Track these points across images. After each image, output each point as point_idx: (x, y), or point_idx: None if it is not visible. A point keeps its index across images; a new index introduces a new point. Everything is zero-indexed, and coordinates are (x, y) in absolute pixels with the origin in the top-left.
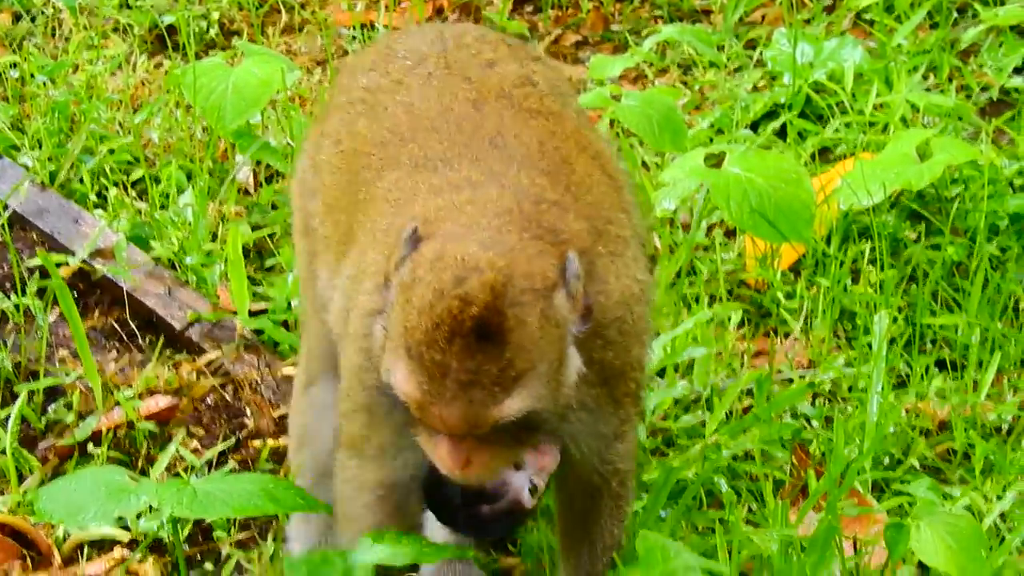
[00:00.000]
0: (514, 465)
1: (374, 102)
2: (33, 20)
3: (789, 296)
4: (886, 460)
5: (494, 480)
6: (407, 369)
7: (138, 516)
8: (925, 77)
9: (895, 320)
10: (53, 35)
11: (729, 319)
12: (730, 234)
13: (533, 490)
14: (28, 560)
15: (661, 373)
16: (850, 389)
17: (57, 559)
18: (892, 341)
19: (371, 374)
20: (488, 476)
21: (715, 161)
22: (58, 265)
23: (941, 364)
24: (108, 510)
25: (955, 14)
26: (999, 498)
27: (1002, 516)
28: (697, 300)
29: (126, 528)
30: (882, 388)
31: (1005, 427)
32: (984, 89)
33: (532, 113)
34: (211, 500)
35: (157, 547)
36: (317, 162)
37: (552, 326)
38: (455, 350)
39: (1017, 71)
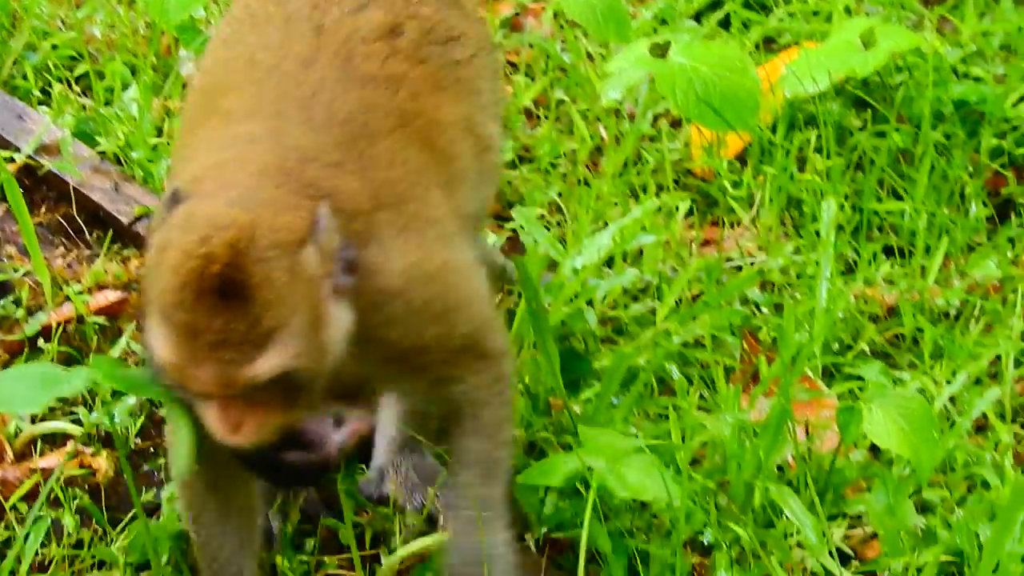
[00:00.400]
0: (335, 421)
1: (231, 38)
2: None
3: (736, 185)
4: (836, 346)
5: (275, 437)
6: (162, 333)
7: (90, 410)
8: None
9: (842, 207)
10: None
11: (677, 208)
12: (676, 124)
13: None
14: None
15: (610, 263)
16: (799, 276)
17: (9, 454)
18: (840, 228)
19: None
20: (263, 439)
21: (660, 51)
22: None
23: (889, 251)
24: (40, 397)
25: None
26: (948, 382)
27: (952, 400)
28: (644, 190)
29: (78, 424)
30: (831, 274)
31: (953, 312)
32: None
33: (363, 80)
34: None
35: (111, 443)
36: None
37: (302, 282)
38: (202, 310)
39: None
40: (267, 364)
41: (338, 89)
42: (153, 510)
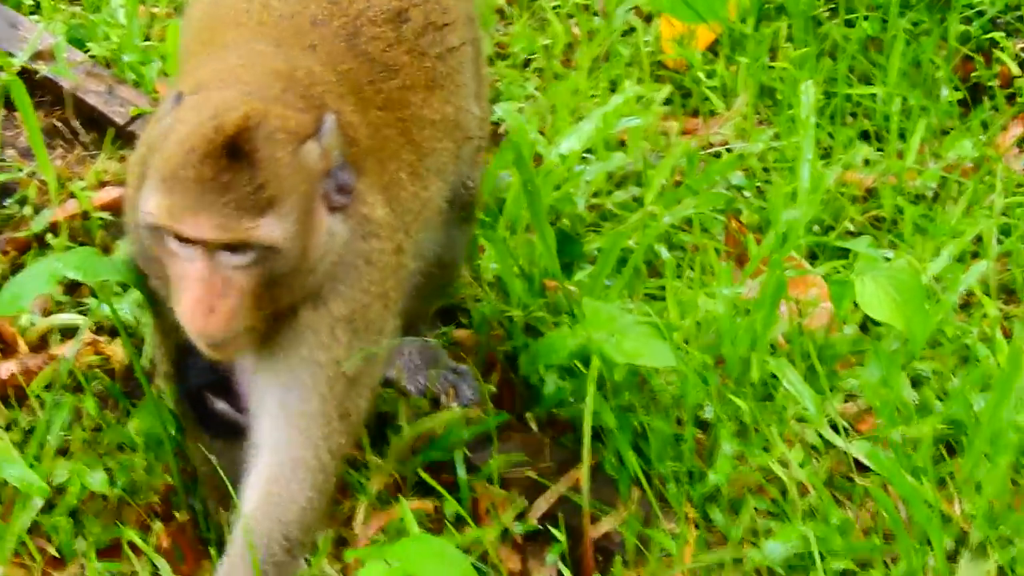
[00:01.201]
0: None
1: None
2: None
3: (710, 75)
4: (817, 228)
5: (232, 337)
6: (162, 189)
7: (100, 303)
8: None
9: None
10: None
11: (655, 99)
12: (647, 19)
13: None
14: None
15: (591, 154)
16: (776, 162)
17: (23, 346)
18: (816, 115)
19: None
20: (229, 330)
21: None
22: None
23: (864, 136)
24: (44, 288)
25: None
26: (933, 260)
27: (936, 279)
28: (620, 83)
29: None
30: (812, 156)
31: (930, 194)
32: None
33: (363, 57)
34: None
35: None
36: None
37: (303, 171)
38: (208, 166)
39: None
40: (264, 230)
41: (338, 52)
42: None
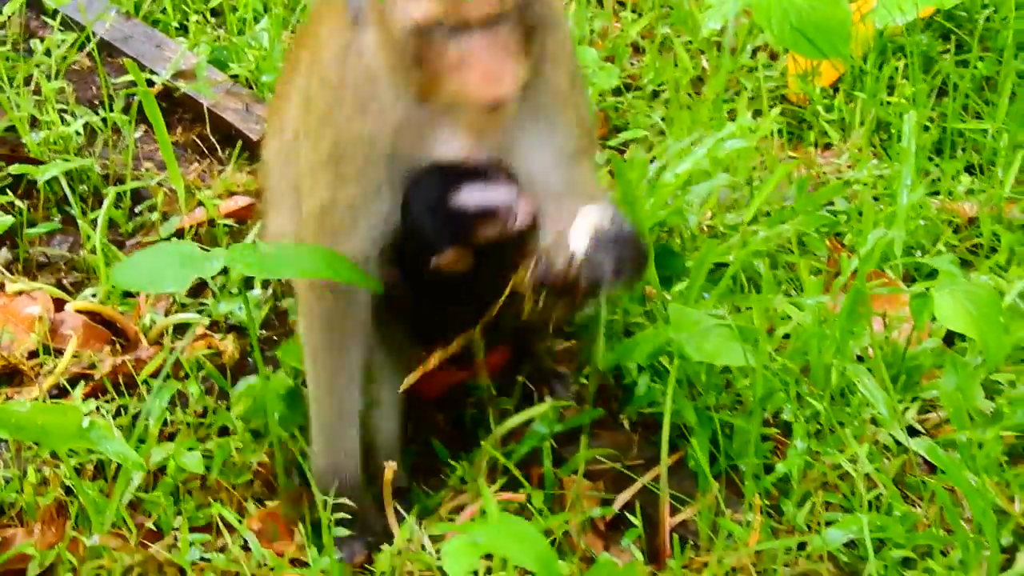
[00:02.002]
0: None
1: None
2: None
3: (828, 109)
4: (918, 253)
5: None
6: None
7: (219, 302)
8: None
9: (927, 128)
10: None
11: (773, 132)
12: (775, 57)
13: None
14: (117, 346)
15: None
16: (884, 189)
17: (144, 342)
18: (926, 149)
19: (344, 112)
20: (514, 89)
21: None
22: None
23: (970, 170)
24: (184, 275)
25: None
26: (1020, 279)
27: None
28: (735, 112)
29: (208, 316)
30: (911, 182)
31: None
32: None
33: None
34: (278, 262)
35: (239, 333)
36: None
37: None
38: None
39: None
40: None
41: None
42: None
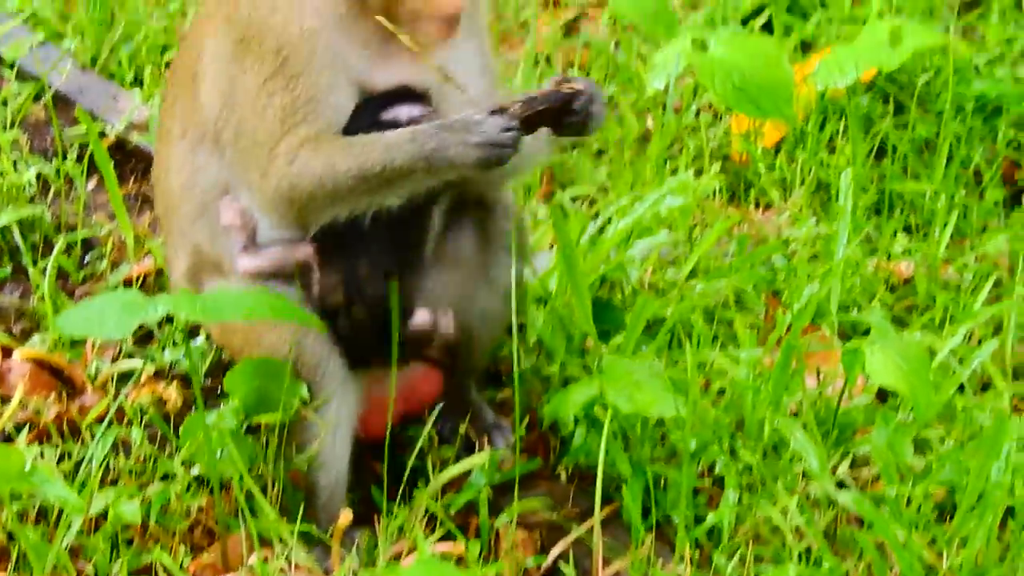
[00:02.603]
0: None
1: None
2: None
3: (770, 169)
4: (854, 311)
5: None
6: None
7: (163, 348)
8: None
9: (866, 189)
10: None
11: (715, 191)
12: (718, 116)
13: None
14: (63, 393)
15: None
16: (825, 253)
17: (89, 390)
18: (865, 210)
19: (281, 13)
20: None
21: (701, 45)
22: (99, 133)
23: (908, 229)
24: (127, 322)
25: None
26: (952, 337)
27: (953, 354)
28: (678, 170)
29: (153, 361)
30: (848, 240)
31: (966, 286)
32: None
33: None
34: (220, 307)
35: (184, 382)
36: None
37: None
38: None
39: None
40: None
41: None
42: None
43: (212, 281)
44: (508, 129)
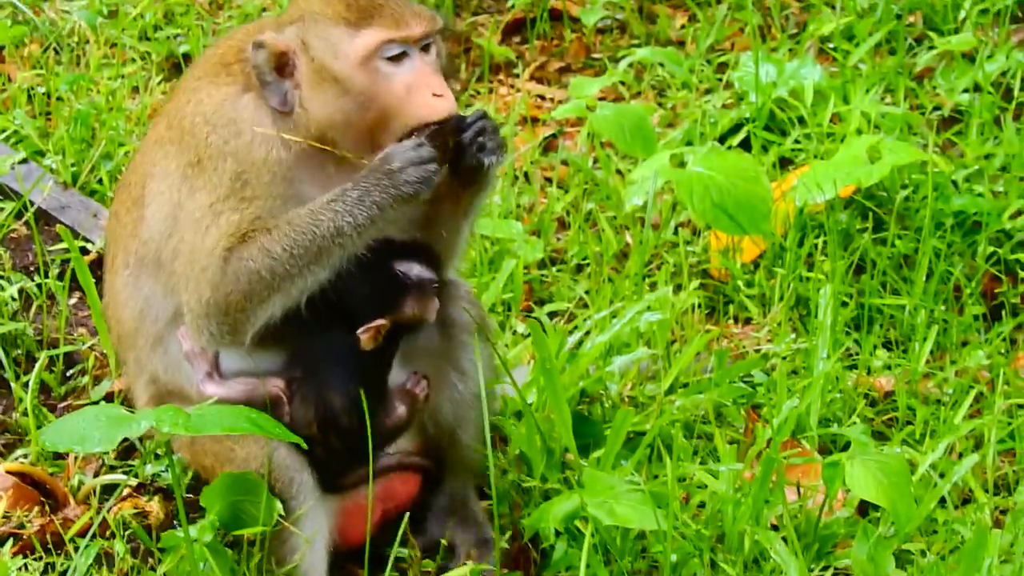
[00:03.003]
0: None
1: None
2: (58, 51)
3: (749, 285)
4: (834, 425)
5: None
6: (366, 19)
7: (145, 463)
8: (882, 98)
9: (845, 304)
10: (77, 63)
11: (694, 307)
12: (697, 232)
13: None
14: (46, 506)
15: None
16: (804, 368)
17: (72, 503)
18: (844, 325)
19: (244, 139)
20: (453, 105)
21: (679, 162)
22: (80, 250)
23: (888, 345)
24: (110, 436)
25: (912, 43)
26: (933, 451)
27: (934, 468)
28: (656, 285)
29: (135, 475)
30: (827, 355)
31: (946, 400)
32: (937, 108)
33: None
34: (203, 422)
35: (165, 496)
36: None
37: None
38: None
39: (966, 91)
40: (438, 15)
41: None
42: None
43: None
44: (420, 145)
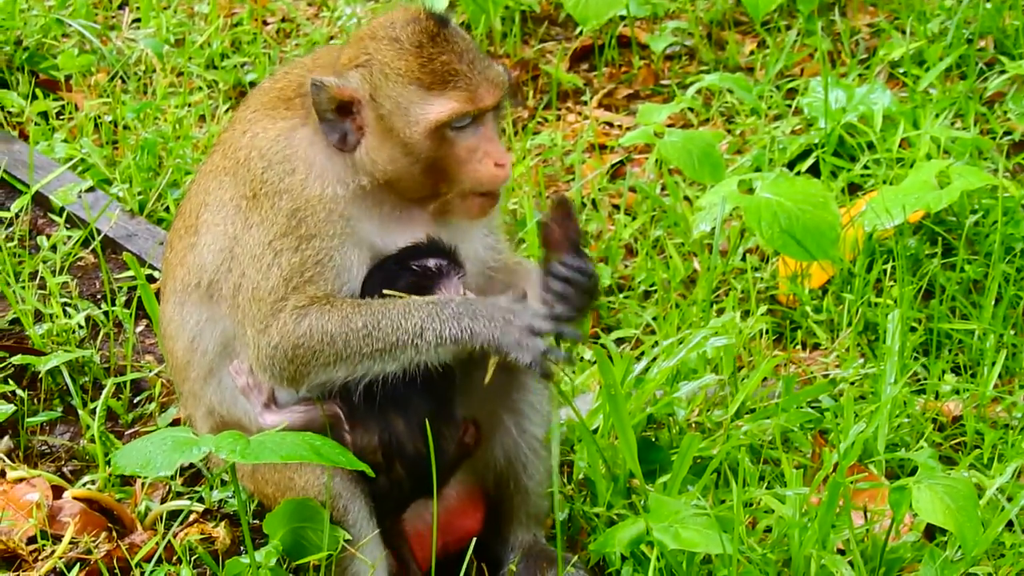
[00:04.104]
0: None
1: None
2: (125, 80)
3: (817, 311)
4: (902, 450)
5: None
6: (441, 85)
7: (211, 488)
8: (952, 123)
9: (914, 329)
10: (144, 92)
11: (762, 332)
12: (765, 258)
13: None
14: (113, 532)
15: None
16: (872, 393)
17: (139, 528)
18: (913, 350)
19: (299, 177)
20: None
21: (747, 188)
22: (147, 278)
23: (956, 370)
24: (173, 459)
25: (982, 67)
26: (1001, 475)
27: (1002, 491)
28: (724, 311)
29: (201, 501)
30: (895, 380)
31: (1016, 424)
32: (1007, 133)
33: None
34: (262, 449)
35: (231, 521)
36: None
37: None
38: (452, 43)
39: None
40: (504, 72)
41: None
42: None
43: None
44: (548, 346)
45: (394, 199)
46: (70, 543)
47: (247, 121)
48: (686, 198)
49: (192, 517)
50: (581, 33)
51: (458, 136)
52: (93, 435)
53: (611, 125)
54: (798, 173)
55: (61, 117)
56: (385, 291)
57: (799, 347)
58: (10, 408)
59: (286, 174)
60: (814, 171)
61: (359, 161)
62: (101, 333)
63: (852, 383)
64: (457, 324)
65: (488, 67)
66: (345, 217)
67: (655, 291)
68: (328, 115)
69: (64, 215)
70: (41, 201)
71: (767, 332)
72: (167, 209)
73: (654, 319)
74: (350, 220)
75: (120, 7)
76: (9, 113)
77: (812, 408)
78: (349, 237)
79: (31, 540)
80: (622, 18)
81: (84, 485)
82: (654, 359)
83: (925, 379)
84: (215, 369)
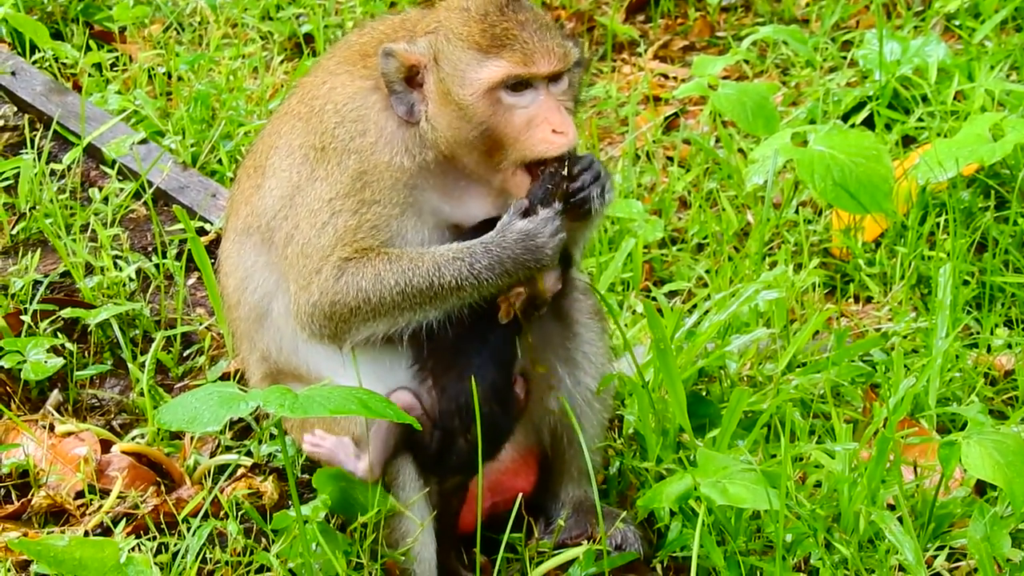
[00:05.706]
0: None
1: None
2: (179, 31)
3: (870, 264)
4: (953, 404)
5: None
6: (497, 48)
7: (260, 442)
8: (1007, 76)
9: (967, 283)
10: (199, 43)
11: (814, 286)
12: (818, 211)
13: None
14: (161, 486)
15: (745, 327)
16: (924, 347)
17: (187, 483)
18: (965, 303)
19: (369, 139)
20: (576, 140)
21: (801, 141)
22: (197, 231)
23: (1009, 324)
24: (220, 415)
25: None
26: None
27: None
28: (776, 264)
29: (249, 455)
30: (947, 334)
31: None
32: None
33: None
34: (310, 402)
35: (279, 476)
36: None
37: None
38: (518, 14)
39: None
40: (574, 50)
41: None
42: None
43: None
44: (554, 218)
45: (457, 174)
46: (118, 497)
47: (328, 72)
48: (740, 150)
49: (240, 471)
50: None
51: (516, 102)
52: (142, 389)
53: (666, 77)
54: (852, 125)
55: (115, 69)
56: None
57: (851, 300)
58: (60, 361)
59: (358, 134)
60: (868, 123)
61: (424, 132)
62: (152, 286)
63: (904, 337)
64: (494, 273)
65: (552, 38)
66: (410, 187)
67: (708, 244)
68: (396, 86)
69: (116, 167)
70: (93, 153)
71: (819, 285)
72: (219, 161)
73: (706, 272)
74: (415, 190)
75: None
76: (63, 64)
77: (863, 362)
78: (411, 207)
79: (79, 495)
80: None
81: (133, 439)
82: (706, 312)
83: (977, 333)
84: (264, 313)
